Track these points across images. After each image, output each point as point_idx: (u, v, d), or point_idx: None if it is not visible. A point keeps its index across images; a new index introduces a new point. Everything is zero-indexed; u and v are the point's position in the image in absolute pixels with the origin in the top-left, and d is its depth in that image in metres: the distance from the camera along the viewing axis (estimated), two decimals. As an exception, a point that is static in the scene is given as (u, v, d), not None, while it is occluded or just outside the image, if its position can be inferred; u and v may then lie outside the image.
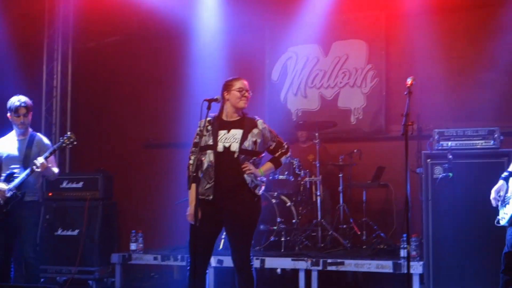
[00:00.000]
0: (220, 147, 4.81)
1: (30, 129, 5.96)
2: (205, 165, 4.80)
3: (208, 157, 4.81)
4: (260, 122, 4.97)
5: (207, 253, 4.89)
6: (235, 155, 4.79)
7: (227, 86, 4.97)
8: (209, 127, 4.89)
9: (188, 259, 4.84)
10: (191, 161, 4.88)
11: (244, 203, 4.83)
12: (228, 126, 4.91)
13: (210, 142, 4.84)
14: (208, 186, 4.79)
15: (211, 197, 4.78)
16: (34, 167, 5.61)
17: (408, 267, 4.99)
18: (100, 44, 9.46)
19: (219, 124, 4.92)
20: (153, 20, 9.11)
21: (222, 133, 4.87)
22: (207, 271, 4.98)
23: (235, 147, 4.81)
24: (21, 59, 8.82)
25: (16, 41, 8.77)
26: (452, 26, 8.20)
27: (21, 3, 9.01)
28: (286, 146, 5.07)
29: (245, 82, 4.99)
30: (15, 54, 8.73)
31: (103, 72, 9.39)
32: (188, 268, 4.78)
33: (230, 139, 4.84)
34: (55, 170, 5.91)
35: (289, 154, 5.09)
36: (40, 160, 5.61)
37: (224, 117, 4.97)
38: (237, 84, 4.94)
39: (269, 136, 4.99)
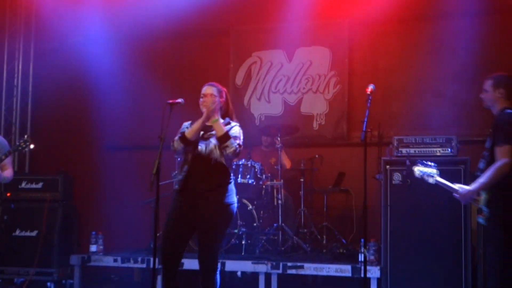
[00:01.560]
0: (200, 148, 4.91)
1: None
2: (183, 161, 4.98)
3: (186, 156, 4.95)
4: (236, 127, 5.06)
5: (179, 253, 4.93)
6: (212, 157, 4.88)
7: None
8: None
9: (160, 259, 4.86)
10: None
11: (217, 205, 4.89)
12: (208, 128, 4.99)
13: None
14: (180, 178, 4.92)
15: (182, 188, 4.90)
16: None
17: (365, 271, 5.11)
18: (63, 45, 9.34)
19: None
20: (116, 21, 9.05)
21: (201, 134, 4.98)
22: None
23: (213, 150, 4.89)
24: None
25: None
26: (414, 36, 8.36)
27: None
28: (236, 145, 4.90)
29: (206, 87, 5.07)
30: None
31: (65, 73, 9.26)
32: (161, 268, 4.87)
33: (208, 142, 4.93)
34: (8, 174, 5.80)
35: (233, 151, 4.86)
36: None
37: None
38: (202, 90, 5.08)
39: (238, 136, 5.01)
